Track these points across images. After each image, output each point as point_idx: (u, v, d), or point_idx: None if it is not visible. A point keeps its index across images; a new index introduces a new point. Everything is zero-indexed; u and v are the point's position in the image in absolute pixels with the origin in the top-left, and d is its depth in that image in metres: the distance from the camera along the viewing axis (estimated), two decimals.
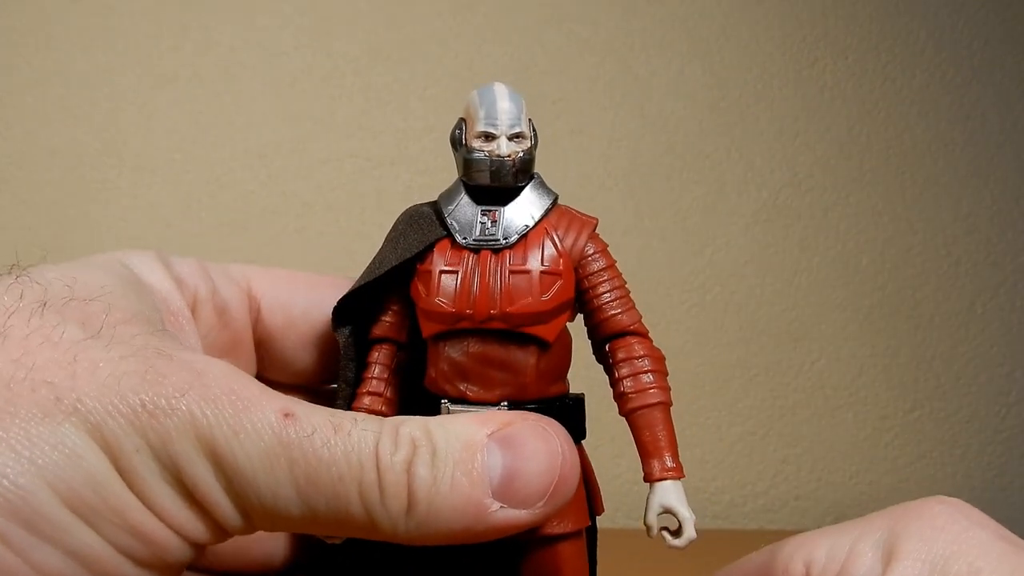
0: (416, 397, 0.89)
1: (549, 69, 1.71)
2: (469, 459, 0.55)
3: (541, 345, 0.84)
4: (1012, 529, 0.61)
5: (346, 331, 0.92)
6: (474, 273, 0.85)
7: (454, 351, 0.85)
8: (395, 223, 0.92)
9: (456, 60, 1.70)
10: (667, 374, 0.85)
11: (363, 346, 0.92)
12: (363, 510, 0.52)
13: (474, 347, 0.84)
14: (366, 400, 0.89)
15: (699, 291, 1.74)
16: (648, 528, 0.78)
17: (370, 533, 0.54)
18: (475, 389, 0.84)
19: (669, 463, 0.81)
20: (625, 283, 0.87)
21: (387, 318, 0.91)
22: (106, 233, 1.66)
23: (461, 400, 0.84)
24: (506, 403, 0.83)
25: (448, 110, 1.84)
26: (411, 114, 1.70)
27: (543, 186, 0.89)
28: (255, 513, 0.51)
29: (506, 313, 0.83)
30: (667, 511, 0.79)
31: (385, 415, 0.87)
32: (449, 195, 0.89)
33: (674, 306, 1.73)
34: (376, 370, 0.89)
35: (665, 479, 0.80)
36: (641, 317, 0.86)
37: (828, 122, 1.76)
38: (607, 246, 0.87)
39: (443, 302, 0.84)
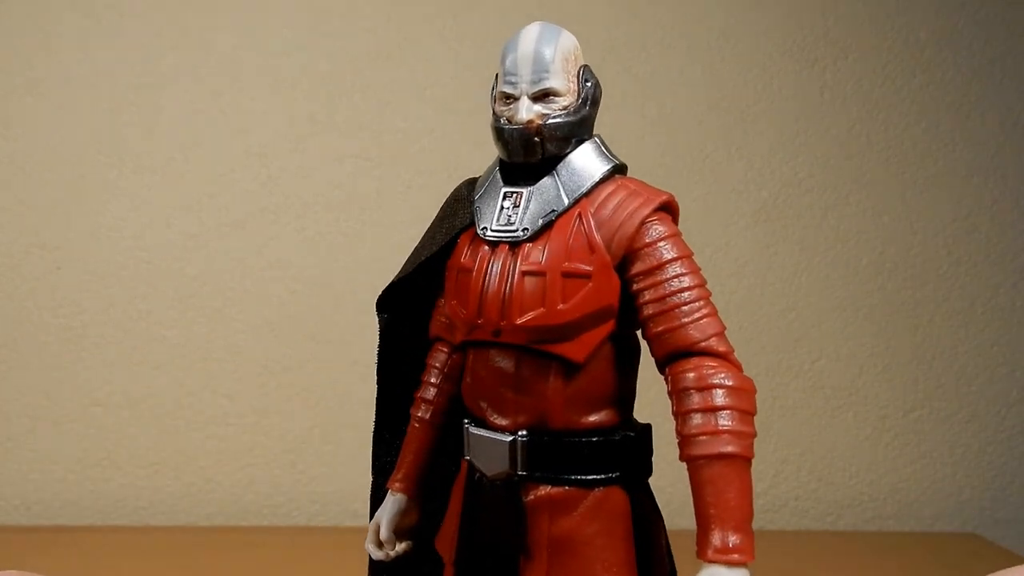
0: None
1: None
2: None
3: (567, 366, 0.67)
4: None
5: (386, 317, 0.79)
6: (487, 273, 0.68)
7: (477, 364, 0.71)
8: (448, 197, 0.78)
9: (456, 60, 1.70)
10: (753, 414, 0.65)
11: (421, 339, 0.80)
12: None
13: (492, 361, 0.69)
14: (420, 409, 0.78)
15: None
16: None
17: None
18: (491, 412, 0.69)
19: (732, 540, 0.60)
20: (701, 283, 0.69)
21: (439, 315, 0.78)
22: (106, 233, 1.66)
23: (480, 422, 0.70)
24: (524, 433, 0.67)
25: (448, 110, 1.85)
26: (411, 114, 1.70)
27: (601, 152, 0.70)
28: None
29: (514, 326, 0.66)
30: None
31: (436, 426, 0.77)
32: (485, 173, 0.74)
33: None
34: (431, 375, 0.78)
35: (717, 563, 0.60)
36: (723, 330, 0.67)
37: (828, 122, 1.76)
38: (678, 232, 0.70)
39: (457, 307, 0.70)
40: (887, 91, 1.77)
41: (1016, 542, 1.71)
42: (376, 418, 0.84)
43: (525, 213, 0.68)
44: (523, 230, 0.68)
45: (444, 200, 0.78)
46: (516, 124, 0.68)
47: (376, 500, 0.83)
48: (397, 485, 0.78)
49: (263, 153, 1.68)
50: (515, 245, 0.68)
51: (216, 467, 1.68)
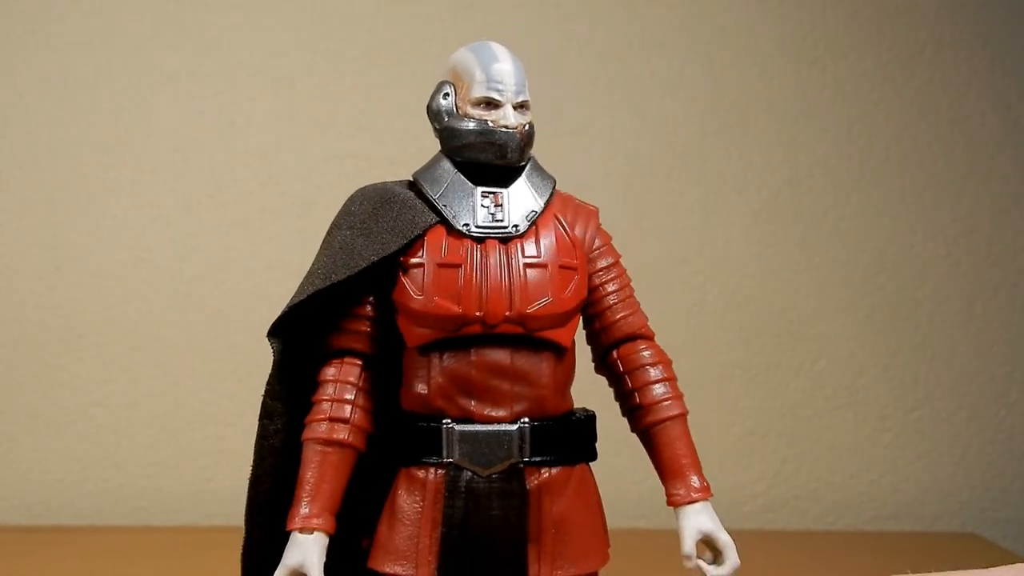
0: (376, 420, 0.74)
1: (549, 69, 1.70)
2: None
3: (558, 352, 0.73)
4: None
5: (279, 343, 0.74)
6: (482, 267, 0.71)
7: (454, 362, 0.71)
8: (351, 204, 0.76)
9: None
10: (677, 379, 0.78)
11: (306, 362, 0.75)
12: None
13: (480, 356, 0.71)
14: (337, 431, 0.70)
15: (699, 291, 1.74)
16: (687, 558, 0.72)
17: None
18: (483, 406, 0.71)
19: (696, 482, 0.73)
20: (630, 280, 0.79)
21: (356, 325, 0.74)
22: (106, 233, 1.66)
23: (466, 419, 0.71)
24: (525, 421, 0.70)
25: None
26: (411, 114, 1.69)
27: (541, 167, 0.78)
28: None
29: (524, 315, 0.70)
30: (706, 537, 0.72)
31: (355, 449, 0.71)
32: (431, 174, 0.75)
33: (674, 306, 1.73)
34: (336, 390, 0.72)
35: (695, 501, 0.72)
36: (648, 318, 0.79)
37: (828, 122, 1.76)
38: (611, 238, 0.79)
39: (445, 303, 0.70)
40: (887, 91, 1.77)
41: (1016, 542, 1.71)
42: (260, 460, 0.75)
43: (509, 212, 0.73)
44: (514, 227, 0.73)
45: (352, 200, 0.76)
46: (505, 128, 0.73)
47: (263, 553, 0.73)
48: (317, 522, 0.69)
49: (263, 153, 1.68)
50: (505, 240, 0.72)
51: (216, 467, 1.68)
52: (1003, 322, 1.79)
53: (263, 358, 1.79)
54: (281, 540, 0.71)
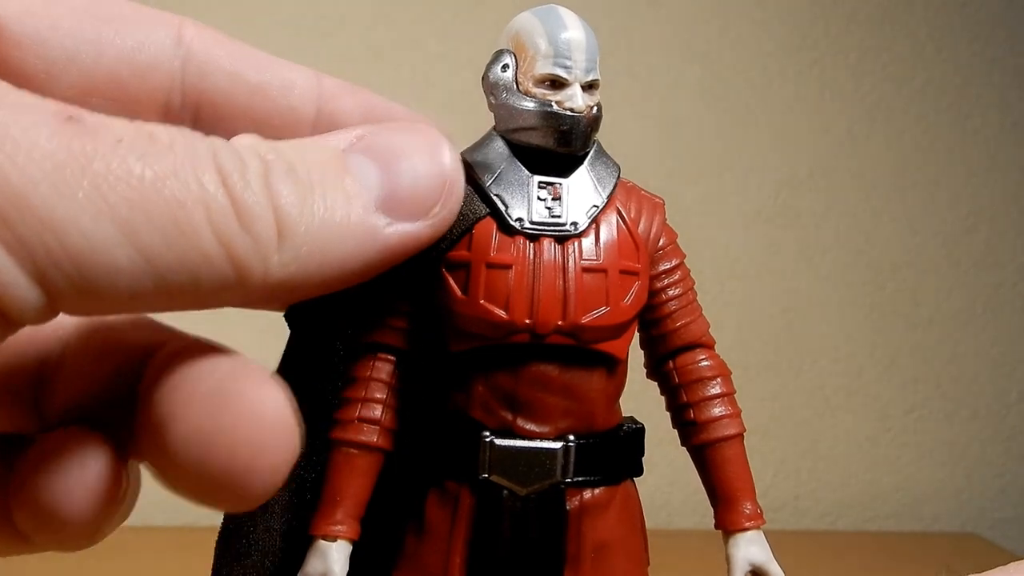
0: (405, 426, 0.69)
1: None
2: (336, 170, 0.42)
3: (611, 365, 0.66)
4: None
5: (301, 327, 0.69)
6: (534, 270, 0.63)
7: (497, 371, 0.64)
8: None
9: (456, 60, 1.70)
10: (735, 392, 0.72)
11: (321, 349, 0.70)
12: (219, 244, 0.37)
13: (526, 367, 0.64)
14: (364, 432, 0.66)
15: (699, 291, 1.73)
16: None
17: (235, 288, 0.41)
18: (526, 421, 0.64)
19: (749, 509, 0.67)
20: (694, 283, 0.73)
21: (391, 320, 0.68)
22: None
23: (506, 433, 0.64)
24: (571, 438, 0.65)
25: (448, 111, 1.83)
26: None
27: (605, 153, 0.69)
28: (59, 276, 0.34)
29: (577, 326, 0.63)
30: (756, 569, 0.67)
31: (384, 451, 0.66)
32: (483, 156, 0.66)
33: None
34: (371, 389, 0.67)
35: (748, 530, 0.67)
36: (709, 324, 0.73)
37: (828, 122, 1.76)
38: (677, 236, 0.72)
39: (492, 307, 0.63)
40: (887, 91, 1.77)
41: (1016, 542, 1.71)
42: None
43: (568, 206, 0.65)
44: (572, 224, 0.64)
45: None
46: (571, 112, 0.64)
47: (240, 544, 0.68)
48: (341, 529, 0.65)
49: None
50: (562, 240, 0.64)
51: None
52: (1003, 322, 1.79)
53: (263, 358, 1.79)
54: (263, 532, 0.67)
